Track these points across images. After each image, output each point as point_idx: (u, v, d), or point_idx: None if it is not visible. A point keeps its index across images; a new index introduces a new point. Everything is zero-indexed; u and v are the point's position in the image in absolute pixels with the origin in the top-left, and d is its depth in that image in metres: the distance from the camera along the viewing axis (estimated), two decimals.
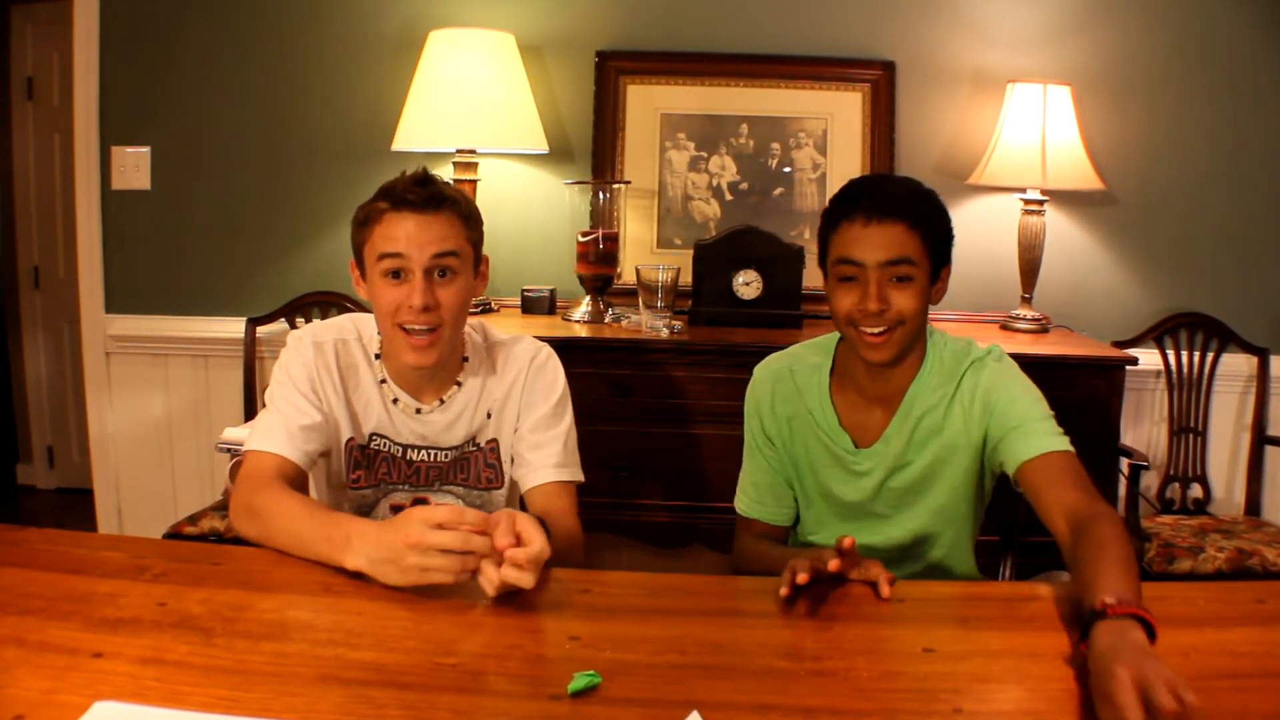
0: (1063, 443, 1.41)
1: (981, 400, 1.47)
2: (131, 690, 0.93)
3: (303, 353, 1.48)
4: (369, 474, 1.53)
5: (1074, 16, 2.70)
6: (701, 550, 2.43)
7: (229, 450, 2.25)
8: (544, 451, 1.52)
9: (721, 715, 0.93)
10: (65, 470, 3.98)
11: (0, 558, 1.23)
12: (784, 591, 1.16)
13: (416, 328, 1.40)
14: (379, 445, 1.52)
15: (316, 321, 1.55)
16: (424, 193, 1.40)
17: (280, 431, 1.43)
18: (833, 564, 1.17)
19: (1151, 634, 1.02)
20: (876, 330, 1.42)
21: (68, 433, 3.94)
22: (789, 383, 1.58)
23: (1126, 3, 2.69)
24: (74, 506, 3.46)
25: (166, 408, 2.89)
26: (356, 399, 1.51)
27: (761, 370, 1.63)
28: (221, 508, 2.38)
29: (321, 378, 1.48)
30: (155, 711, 0.90)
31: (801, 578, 1.16)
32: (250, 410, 2.68)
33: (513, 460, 1.56)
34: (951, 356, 1.52)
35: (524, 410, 1.54)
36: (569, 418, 1.56)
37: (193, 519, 2.34)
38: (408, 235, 1.39)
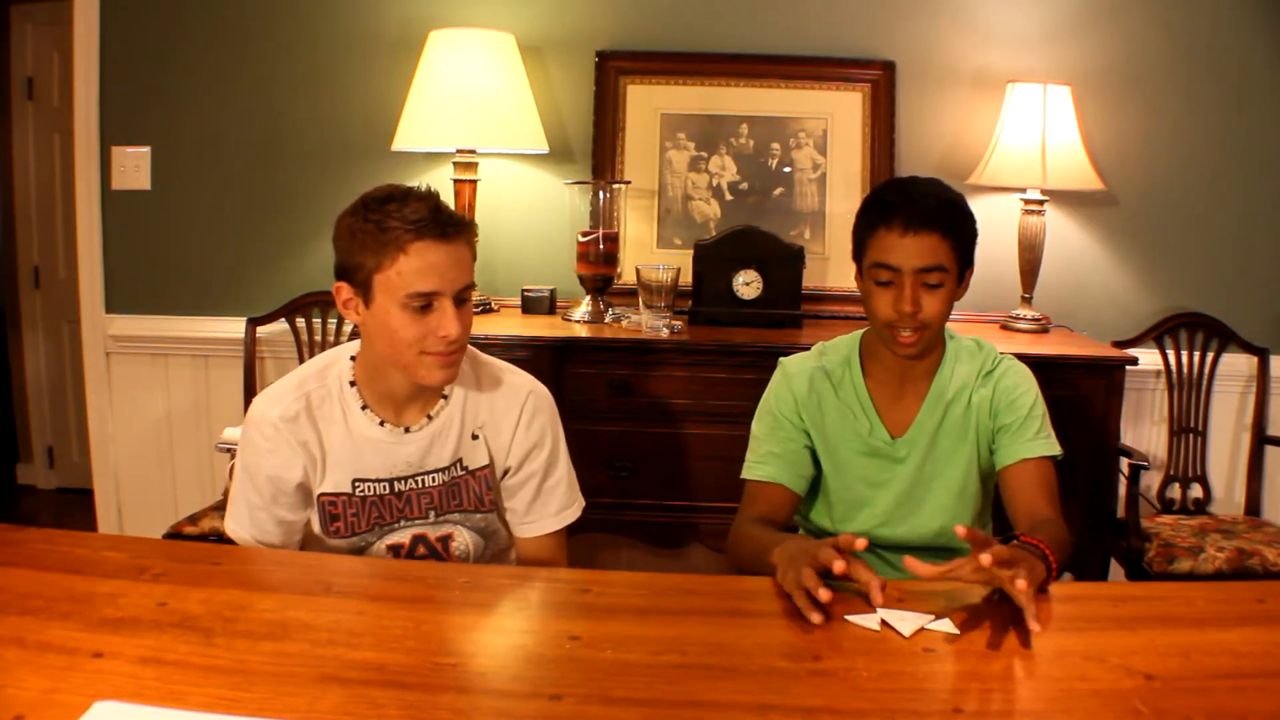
0: (1050, 447, 1.55)
1: (1000, 392, 1.59)
2: (131, 690, 0.93)
3: (267, 439, 1.44)
4: (361, 519, 1.48)
5: (1074, 16, 2.70)
6: (701, 550, 2.43)
7: (229, 450, 2.25)
8: (544, 500, 1.54)
9: (721, 715, 0.93)
10: (65, 470, 3.98)
11: (0, 558, 1.23)
12: (816, 619, 1.14)
13: (444, 351, 1.39)
14: (364, 490, 1.47)
15: (270, 390, 1.48)
16: (441, 218, 1.36)
17: (275, 530, 1.45)
18: (838, 566, 1.17)
19: (1049, 570, 1.22)
20: (909, 331, 1.53)
21: (68, 433, 3.94)
22: (825, 382, 1.64)
23: (1126, 3, 2.69)
24: (74, 506, 3.46)
25: (166, 408, 2.89)
26: (337, 444, 1.46)
27: (795, 365, 1.67)
28: (222, 507, 2.38)
29: (294, 455, 1.44)
30: (155, 711, 0.90)
31: (824, 595, 1.14)
32: None
33: (503, 493, 1.55)
34: (968, 349, 1.64)
35: (518, 446, 1.52)
36: (565, 454, 1.57)
37: (193, 519, 2.34)
38: (439, 270, 1.35)
